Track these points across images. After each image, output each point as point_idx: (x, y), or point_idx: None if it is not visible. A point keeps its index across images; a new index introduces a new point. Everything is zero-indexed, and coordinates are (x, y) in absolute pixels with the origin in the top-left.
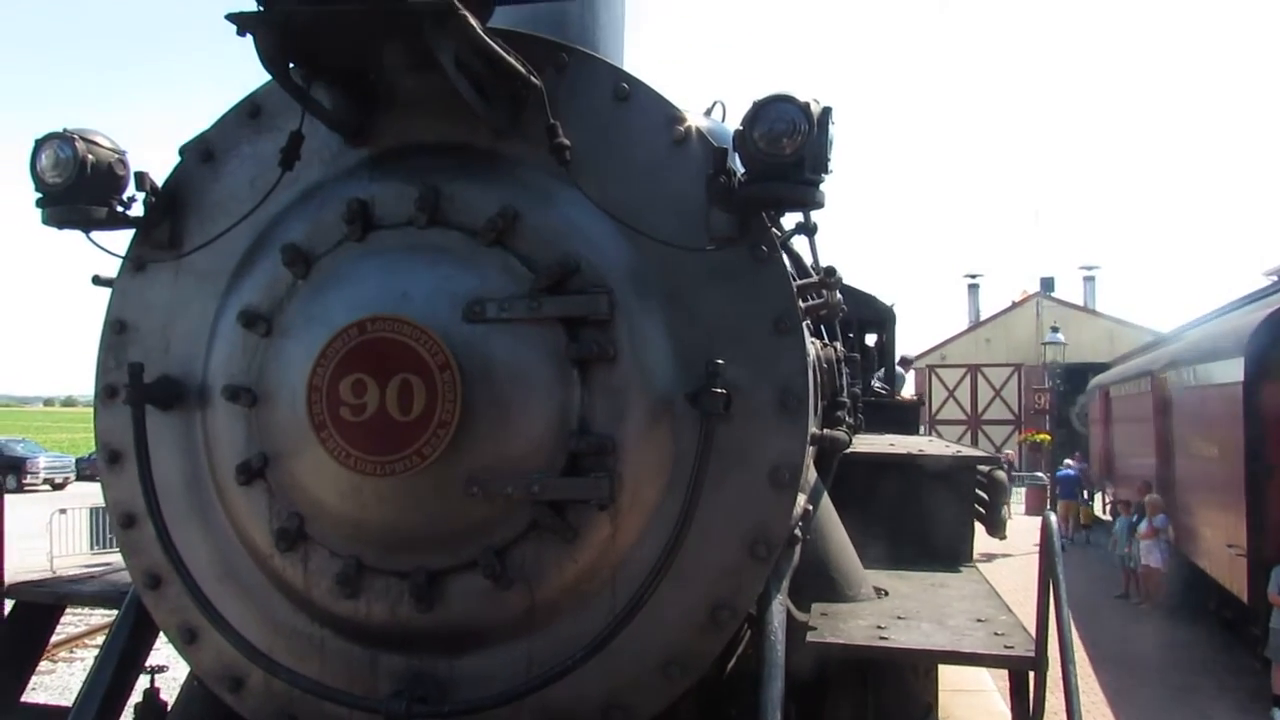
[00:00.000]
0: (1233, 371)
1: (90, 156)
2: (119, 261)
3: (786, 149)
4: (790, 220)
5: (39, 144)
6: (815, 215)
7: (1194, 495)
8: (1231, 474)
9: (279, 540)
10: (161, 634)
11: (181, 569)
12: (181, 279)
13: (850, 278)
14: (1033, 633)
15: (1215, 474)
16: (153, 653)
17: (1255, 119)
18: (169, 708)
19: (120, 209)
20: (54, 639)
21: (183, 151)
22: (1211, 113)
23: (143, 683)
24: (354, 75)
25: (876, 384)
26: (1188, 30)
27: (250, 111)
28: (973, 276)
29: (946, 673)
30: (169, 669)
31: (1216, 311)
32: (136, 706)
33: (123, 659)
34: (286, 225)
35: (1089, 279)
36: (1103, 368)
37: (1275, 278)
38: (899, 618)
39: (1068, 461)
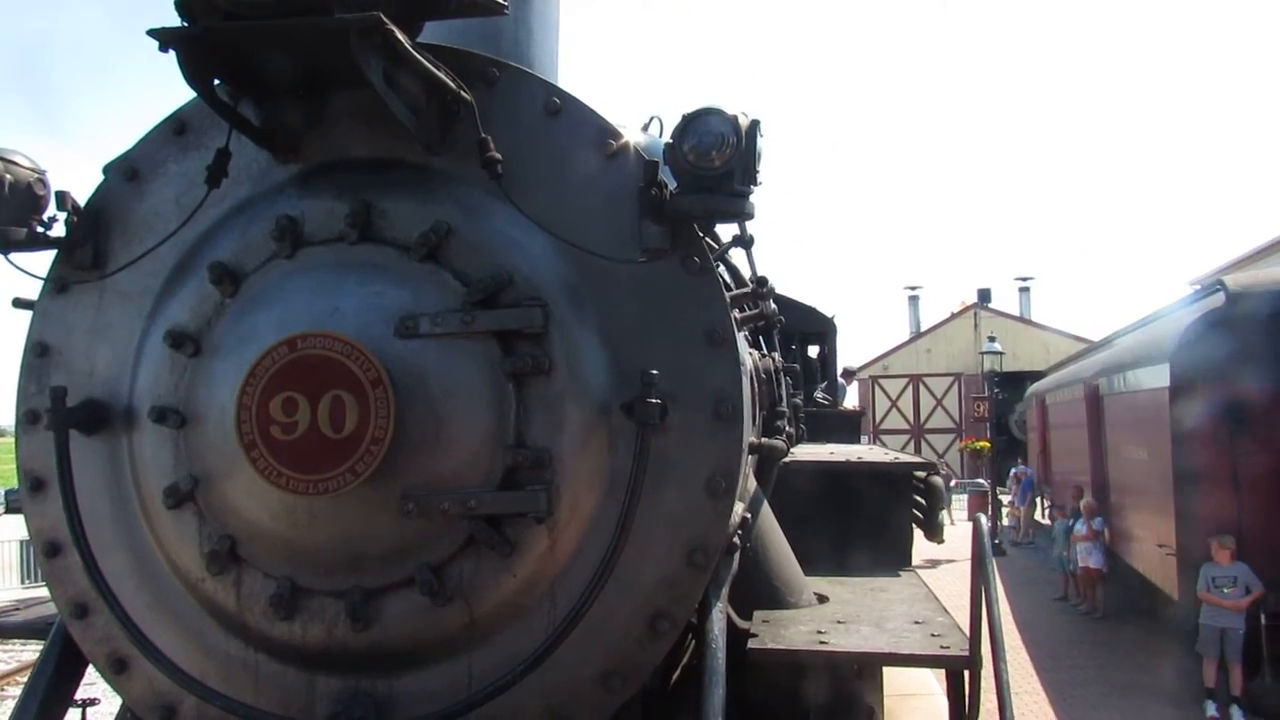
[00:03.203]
0: (1160, 377)
1: (8, 176)
2: (40, 283)
3: (715, 161)
4: (727, 233)
5: None
6: (753, 228)
7: (1126, 498)
8: (1160, 476)
9: (210, 564)
10: (91, 666)
11: (109, 597)
12: (106, 300)
13: (791, 290)
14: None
15: (1145, 477)
16: (86, 687)
17: (1181, 133)
18: None
19: (40, 229)
20: None
21: (106, 170)
22: (1139, 127)
23: (74, 717)
24: (281, 91)
25: (819, 395)
26: (1116, 46)
27: (176, 129)
28: (913, 288)
29: (891, 676)
30: (101, 702)
31: (1144, 320)
32: None
33: (49, 692)
34: (214, 243)
35: (1024, 290)
36: (1039, 376)
37: (1199, 287)
38: (839, 622)
39: (1022, 469)
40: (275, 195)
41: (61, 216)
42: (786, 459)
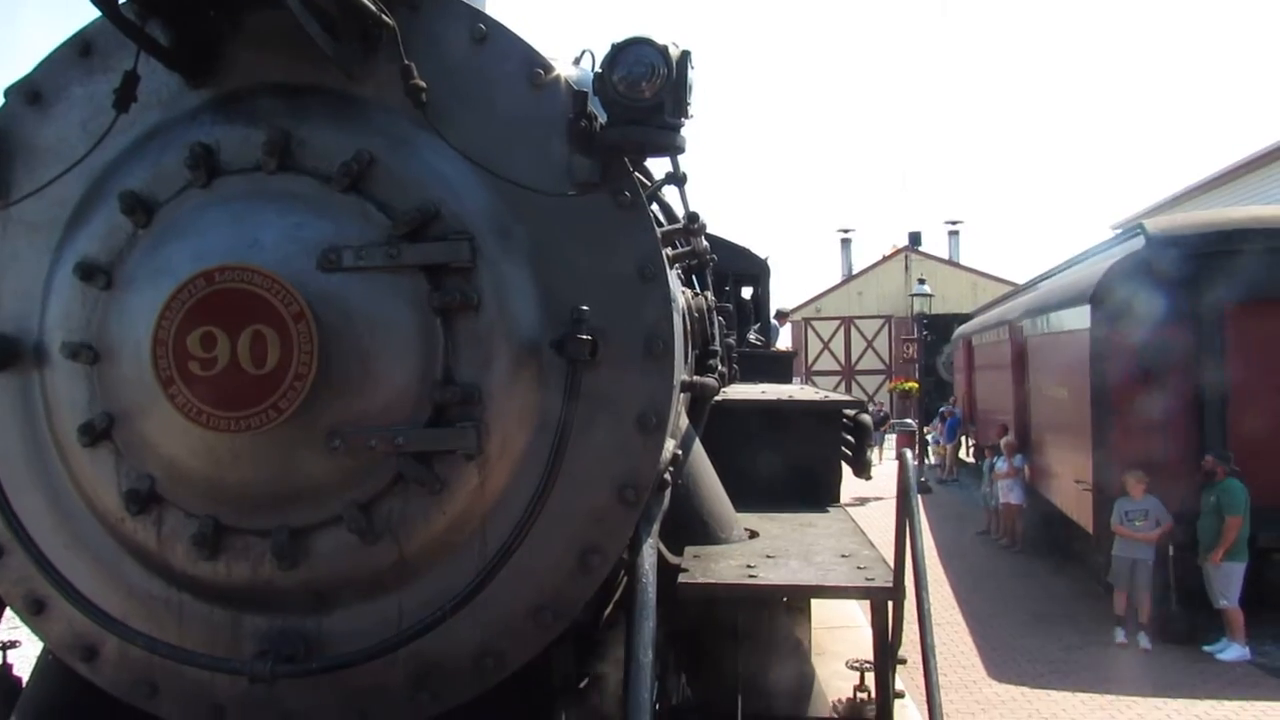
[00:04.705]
0: (1081, 319)
1: None
2: None
3: (645, 92)
4: (660, 173)
5: None
6: (686, 166)
7: (1047, 436)
8: (1079, 415)
9: (129, 503)
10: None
11: (23, 536)
12: (10, 230)
13: (725, 232)
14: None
15: (1065, 415)
16: (7, 630)
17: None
18: (24, 684)
19: None
20: None
21: (7, 93)
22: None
23: None
24: (192, 10)
25: (752, 336)
26: None
27: (81, 49)
28: (845, 231)
29: (818, 609)
30: (22, 644)
31: (1067, 263)
32: None
33: None
34: (124, 171)
35: (953, 233)
36: (966, 318)
37: (1120, 230)
38: (768, 557)
39: (948, 408)
40: (188, 122)
41: None
42: (719, 397)
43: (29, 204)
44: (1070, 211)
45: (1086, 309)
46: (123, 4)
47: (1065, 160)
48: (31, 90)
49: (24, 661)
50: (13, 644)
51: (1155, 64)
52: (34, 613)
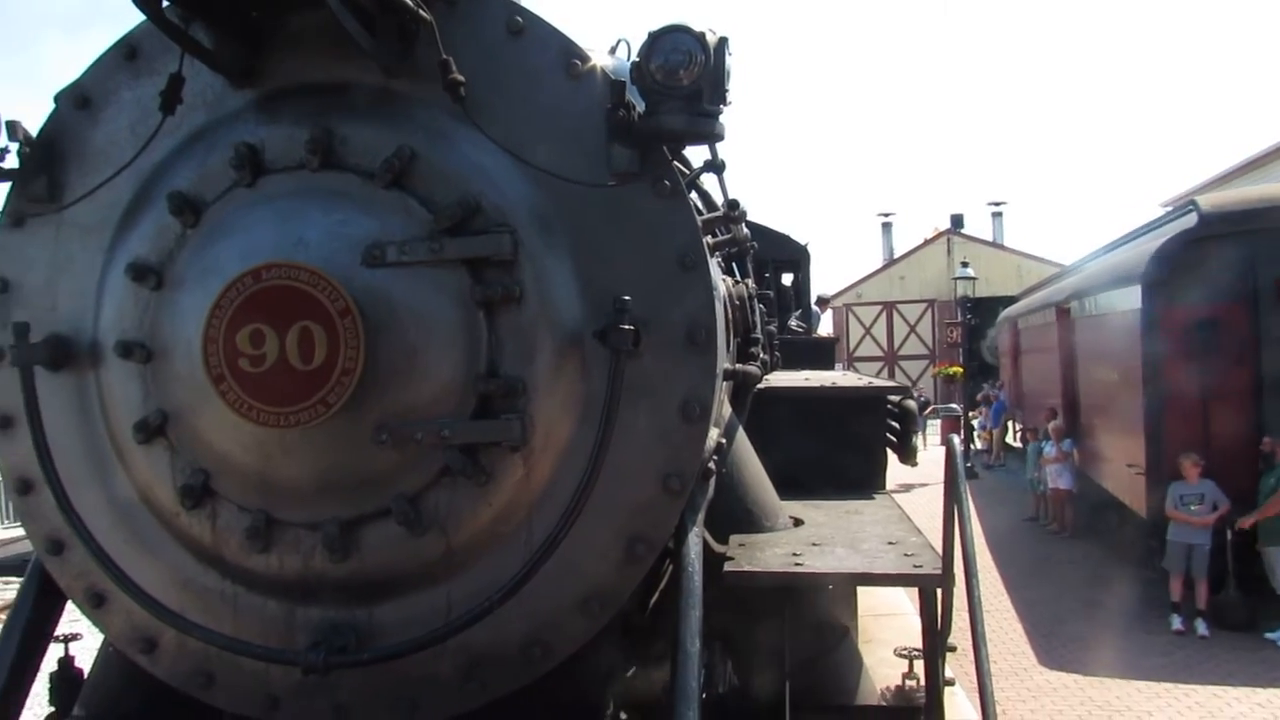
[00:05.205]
0: (1131, 299)
1: None
2: None
3: (684, 80)
4: (698, 160)
5: None
6: (724, 153)
7: (1097, 419)
8: (1131, 397)
9: (184, 498)
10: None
11: (83, 532)
12: (64, 233)
13: (764, 218)
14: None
15: (1116, 398)
16: (71, 623)
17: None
18: (85, 676)
19: None
20: None
21: (57, 98)
22: (1111, 48)
23: (57, 652)
24: (234, 13)
25: (794, 323)
26: None
27: (127, 54)
28: (885, 215)
29: (867, 596)
30: (83, 637)
31: (1116, 242)
32: (52, 676)
33: (29, 628)
34: (172, 172)
35: (997, 215)
36: (1011, 301)
37: (1171, 208)
38: (814, 544)
39: (993, 391)
40: (233, 122)
41: (14, 148)
42: (761, 385)
43: (82, 207)
44: (1118, 190)
45: (1137, 289)
46: (166, 7)
47: (1112, 138)
48: (81, 95)
49: (85, 654)
50: (74, 637)
51: (1205, 38)
52: (94, 606)
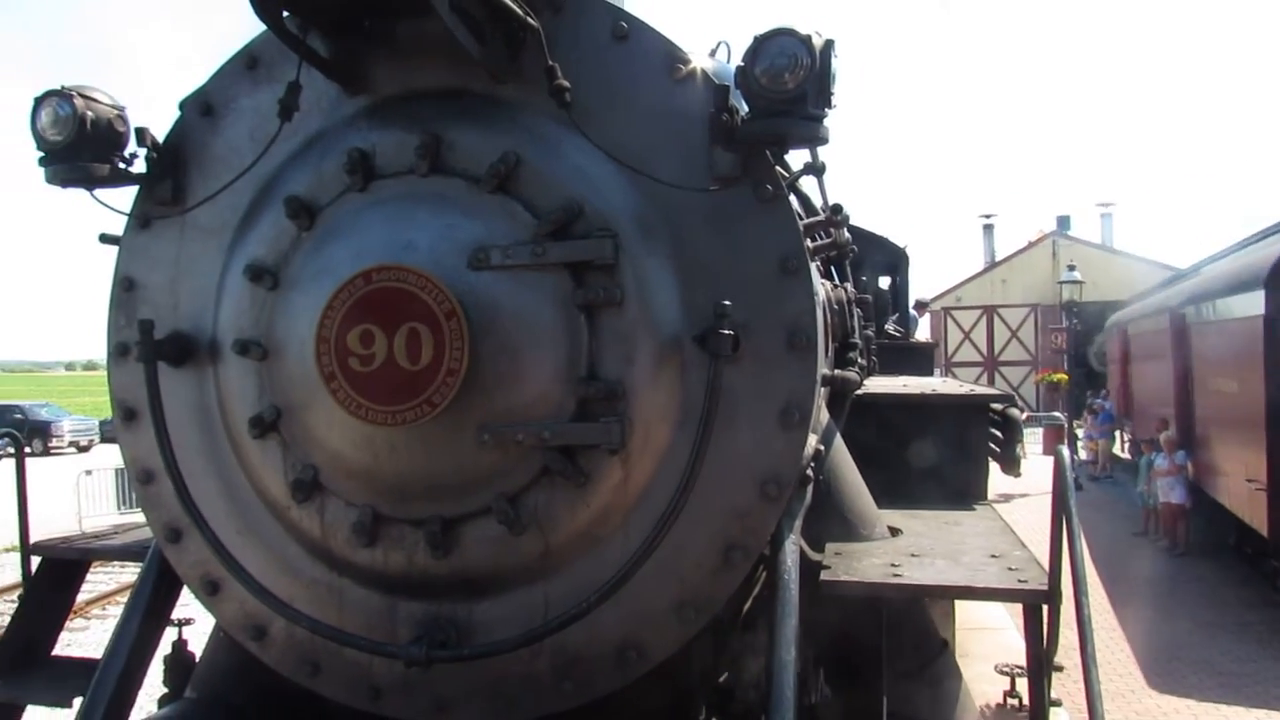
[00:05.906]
0: (1254, 305)
1: (89, 113)
2: (124, 219)
3: (789, 84)
4: (798, 161)
5: (38, 102)
6: (824, 155)
7: (1213, 431)
8: (1252, 408)
9: (295, 492)
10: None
11: (200, 522)
12: (187, 234)
13: (863, 220)
14: (1046, 568)
15: (1235, 409)
16: (182, 607)
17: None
18: (197, 659)
19: (122, 165)
20: (87, 597)
21: (182, 106)
22: (1229, 41)
23: (171, 635)
24: (349, 22)
25: (891, 327)
26: None
27: (247, 63)
28: (987, 217)
29: (962, 610)
30: (195, 622)
31: (1235, 245)
32: (166, 658)
33: (148, 612)
34: (288, 177)
35: (1106, 216)
36: (1120, 306)
37: None
38: (913, 555)
39: (1100, 401)
40: (346, 128)
41: (142, 153)
42: (859, 391)
43: (204, 210)
44: (1238, 190)
45: (1260, 294)
46: (286, 17)
47: (1233, 135)
48: (204, 103)
49: (197, 638)
50: (187, 621)
51: None
52: (209, 593)
